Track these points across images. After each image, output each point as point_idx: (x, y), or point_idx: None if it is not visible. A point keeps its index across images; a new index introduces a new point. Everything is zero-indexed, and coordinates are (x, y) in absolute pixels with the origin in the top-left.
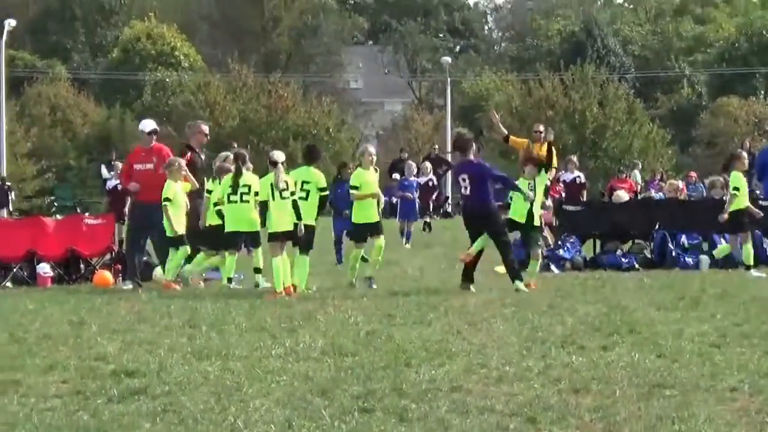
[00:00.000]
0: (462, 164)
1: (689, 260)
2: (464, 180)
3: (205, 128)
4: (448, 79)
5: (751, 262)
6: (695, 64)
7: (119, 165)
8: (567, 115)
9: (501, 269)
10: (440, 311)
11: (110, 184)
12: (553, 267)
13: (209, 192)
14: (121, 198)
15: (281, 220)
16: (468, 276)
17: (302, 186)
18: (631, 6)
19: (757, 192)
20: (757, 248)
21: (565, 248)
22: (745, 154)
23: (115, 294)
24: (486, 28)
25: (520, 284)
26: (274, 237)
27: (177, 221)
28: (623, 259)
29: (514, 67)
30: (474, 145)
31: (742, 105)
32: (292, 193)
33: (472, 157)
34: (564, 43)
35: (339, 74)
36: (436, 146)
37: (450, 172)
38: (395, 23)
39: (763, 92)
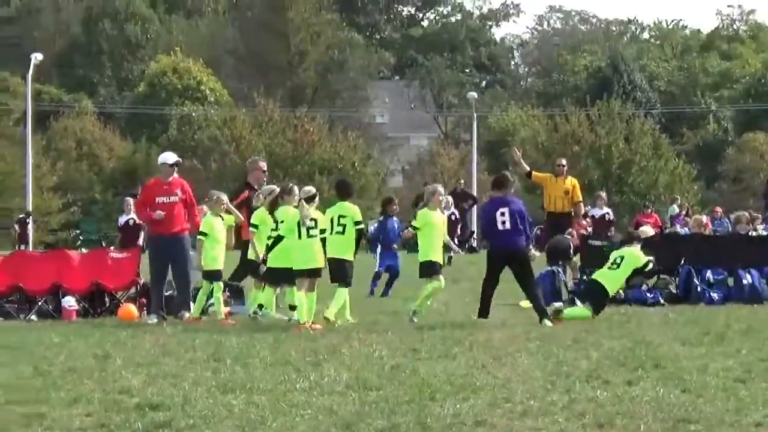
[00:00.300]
0: (502, 198)
1: (714, 295)
2: (503, 214)
3: (263, 165)
4: (474, 114)
5: None
6: (721, 99)
7: (131, 201)
8: (593, 150)
9: (526, 304)
10: (465, 345)
11: (121, 220)
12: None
13: (255, 227)
14: (133, 233)
15: (305, 257)
16: (484, 310)
17: (338, 221)
18: (658, 42)
19: None
20: None
21: None
22: None
23: (140, 327)
24: (512, 63)
25: (547, 322)
26: (300, 274)
27: (213, 256)
28: (648, 295)
29: (540, 102)
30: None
31: None
32: (322, 231)
33: (510, 195)
34: (590, 78)
35: (365, 109)
36: (462, 181)
37: (476, 206)
38: (421, 58)
39: None
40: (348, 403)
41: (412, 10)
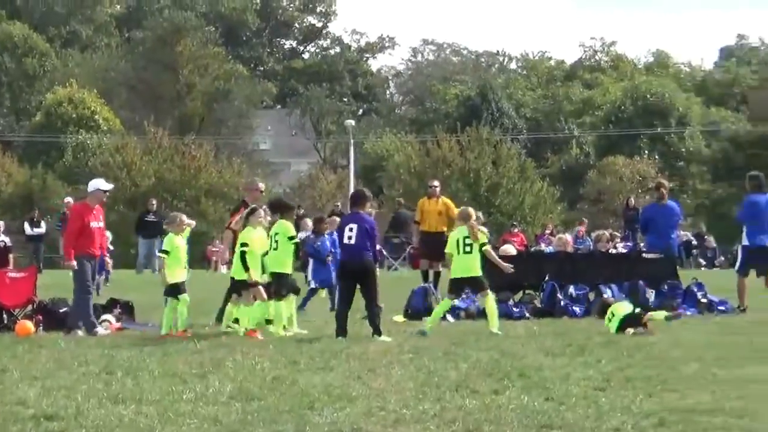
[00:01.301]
0: (354, 215)
1: (577, 309)
2: (351, 230)
3: (261, 186)
4: (351, 141)
5: None
6: (583, 125)
7: (1, 224)
8: (463, 173)
9: (399, 318)
10: (342, 357)
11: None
12: (448, 316)
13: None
14: (2, 256)
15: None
16: (341, 329)
17: (274, 237)
18: (524, 72)
19: (641, 245)
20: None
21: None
22: None
23: (36, 342)
24: (387, 92)
25: (381, 338)
26: None
27: (173, 271)
28: (515, 309)
29: (413, 128)
30: (370, 202)
31: (627, 164)
32: (242, 245)
33: (364, 212)
34: (461, 106)
35: (249, 136)
36: (338, 203)
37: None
38: (302, 88)
39: (646, 152)
40: (232, 413)
41: (294, 44)
